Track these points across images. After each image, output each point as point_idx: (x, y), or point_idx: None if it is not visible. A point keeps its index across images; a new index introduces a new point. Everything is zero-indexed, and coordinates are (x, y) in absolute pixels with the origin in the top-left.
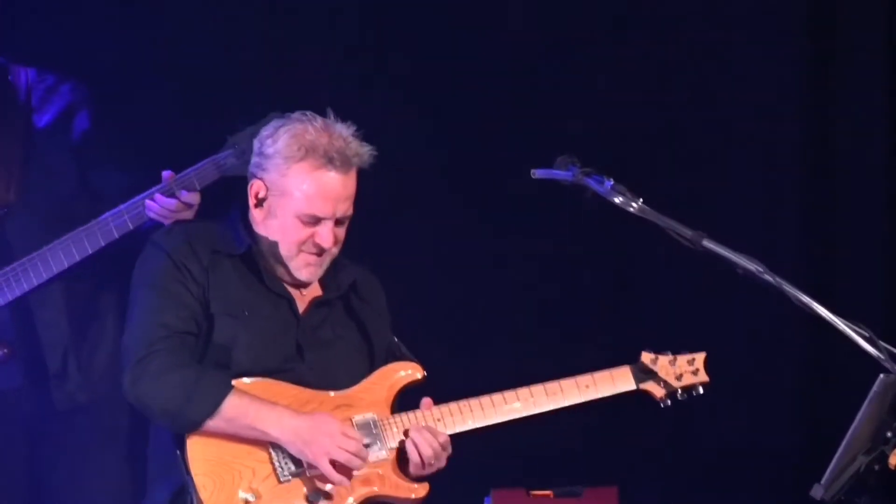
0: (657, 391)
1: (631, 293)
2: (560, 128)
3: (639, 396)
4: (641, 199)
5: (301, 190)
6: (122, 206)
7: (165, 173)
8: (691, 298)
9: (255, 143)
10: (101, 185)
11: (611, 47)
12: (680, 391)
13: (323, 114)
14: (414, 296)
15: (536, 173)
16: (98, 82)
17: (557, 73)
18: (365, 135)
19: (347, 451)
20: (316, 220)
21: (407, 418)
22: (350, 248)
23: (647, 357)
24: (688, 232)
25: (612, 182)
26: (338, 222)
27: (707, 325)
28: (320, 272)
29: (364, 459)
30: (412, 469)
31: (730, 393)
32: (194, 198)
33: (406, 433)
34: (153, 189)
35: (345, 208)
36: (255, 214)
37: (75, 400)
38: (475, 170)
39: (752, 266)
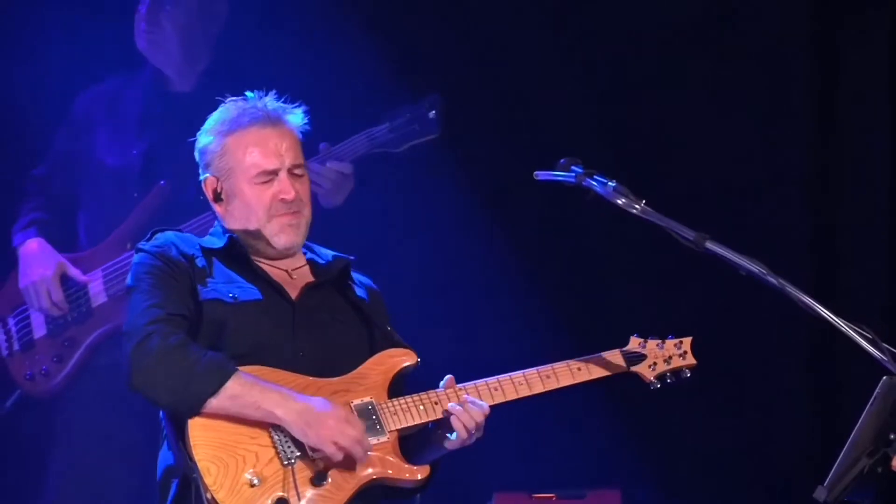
0: (647, 374)
1: (629, 293)
2: (563, 129)
3: (639, 392)
4: (644, 201)
5: (241, 155)
6: None
7: (322, 144)
8: (692, 300)
9: (195, 155)
10: None
11: (616, 53)
12: (669, 374)
13: None
14: (409, 289)
15: (539, 175)
16: None
17: (561, 74)
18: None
19: (351, 436)
20: (269, 175)
21: (405, 402)
22: (348, 241)
23: (635, 341)
24: (690, 233)
25: (615, 184)
26: (293, 174)
27: (708, 325)
28: (298, 237)
29: (366, 447)
30: (451, 444)
31: (732, 395)
32: (346, 167)
33: (446, 411)
34: (311, 158)
35: (292, 156)
36: (219, 210)
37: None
38: (476, 169)
39: (755, 268)
